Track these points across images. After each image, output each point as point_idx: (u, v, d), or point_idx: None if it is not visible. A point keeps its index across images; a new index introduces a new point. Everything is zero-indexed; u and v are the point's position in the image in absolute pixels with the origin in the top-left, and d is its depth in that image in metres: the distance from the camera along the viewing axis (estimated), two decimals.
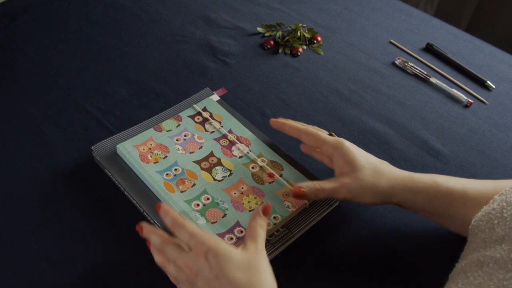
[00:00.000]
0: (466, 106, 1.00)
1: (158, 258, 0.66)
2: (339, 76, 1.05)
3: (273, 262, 0.65)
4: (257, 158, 0.84)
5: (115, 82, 1.00)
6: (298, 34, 1.11)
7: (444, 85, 1.03)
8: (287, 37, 1.11)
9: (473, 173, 0.87)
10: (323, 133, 0.78)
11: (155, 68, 1.03)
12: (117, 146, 0.83)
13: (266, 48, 1.10)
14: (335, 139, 0.75)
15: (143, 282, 0.71)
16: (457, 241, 0.68)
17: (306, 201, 0.77)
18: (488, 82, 1.04)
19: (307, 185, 0.73)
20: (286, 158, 0.84)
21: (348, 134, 0.92)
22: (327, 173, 0.78)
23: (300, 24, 1.13)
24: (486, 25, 2.04)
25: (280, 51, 1.10)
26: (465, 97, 1.00)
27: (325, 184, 0.73)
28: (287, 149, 0.86)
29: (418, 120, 0.96)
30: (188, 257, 0.61)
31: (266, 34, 1.14)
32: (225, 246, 0.61)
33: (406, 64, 1.07)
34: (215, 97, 0.96)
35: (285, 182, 0.80)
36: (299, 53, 1.09)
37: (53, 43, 1.08)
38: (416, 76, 1.06)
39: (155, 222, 0.75)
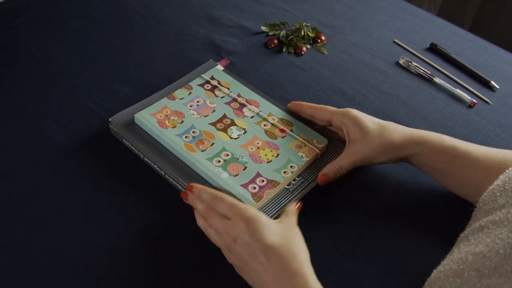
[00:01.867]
0: (470, 106, 1.00)
1: (201, 222, 0.73)
2: (343, 76, 1.05)
3: None
4: (267, 117, 0.89)
5: (118, 80, 1.00)
6: (302, 33, 1.11)
7: (448, 85, 1.03)
8: (291, 36, 1.11)
9: None
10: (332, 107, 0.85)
11: (158, 67, 1.03)
12: (135, 115, 0.87)
13: (270, 47, 1.10)
14: (343, 109, 0.83)
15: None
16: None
17: (318, 151, 0.83)
18: (492, 82, 1.04)
19: (329, 170, 0.79)
20: (294, 116, 0.90)
21: None
22: None
23: (304, 23, 1.13)
24: (489, 25, 2.04)
25: (283, 50, 1.10)
26: (469, 97, 1.00)
27: (343, 162, 0.79)
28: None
29: (421, 120, 0.96)
30: (228, 224, 0.68)
31: (270, 33, 1.14)
32: (263, 216, 0.68)
33: (410, 63, 1.07)
34: (219, 67, 0.99)
35: (297, 136, 0.86)
36: (302, 52, 1.09)
37: (55, 41, 1.08)
38: (419, 76, 1.06)
39: (176, 184, 0.80)
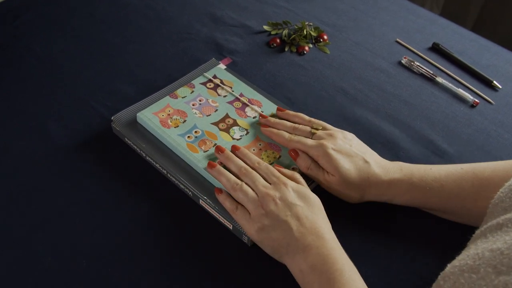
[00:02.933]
0: (472, 106, 1.00)
1: (231, 178, 0.75)
2: (345, 75, 1.05)
3: None
4: None
5: (120, 79, 1.00)
6: (305, 32, 1.11)
7: (450, 84, 1.03)
8: (293, 36, 1.11)
9: None
10: (308, 140, 0.81)
11: (160, 66, 1.03)
12: (137, 114, 0.86)
13: (272, 46, 1.10)
14: (317, 144, 0.78)
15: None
16: None
17: None
18: (495, 82, 1.04)
19: (303, 159, 0.79)
20: None
21: (353, 133, 0.92)
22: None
23: (307, 23, 1.13)
24: (492, 25, 2.04)
25: (286, 49, 1.10)
26: (471, 97, 1.00)
27: (318, 172, 0.78)
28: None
29: (424, 119, 0.96)
30: (273, 184, 0.73)
31: (273, 32, 1.13)
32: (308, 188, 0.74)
33: (412, 63, 1.07)
34: (222, 66, 0.99)
35: None
36: (305, 52, 1.09)
37: (57, 40, 1.08)
38: (422, 75, 1.06)
39: (178, 183, 0.80)
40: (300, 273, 0.66)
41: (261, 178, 0.74)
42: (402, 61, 1.08)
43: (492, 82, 1.04)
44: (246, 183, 0.74)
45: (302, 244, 0.66)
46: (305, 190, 0.72)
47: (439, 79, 1.04)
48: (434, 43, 1.13)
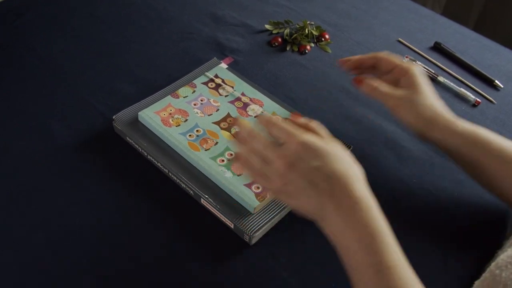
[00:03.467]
0: (474, 105, 1.00)
1: (242, 149, 0.67)
2: (347, 74, 1.04)
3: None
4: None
5: (121, 79, 1.00)
6: (306, 31, 1.11)
7: (452, 84, 1.03)
8: (294, 35, 1.11)
9: None
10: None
11: (161, 65, 1.03)
12: (138, 113, 0.87)
13: (273, 45, 1.10)
14: (408, 64, 0.81)
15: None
16: None
17: None
18: (496, 81, 1.04)
19: (368, 82, 0.81)
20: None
21: (355, 132, 0.92)
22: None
23: (308, 22, 1.13)
24: (493, 24, 2.04)
25: (287, 48, 1.10)
26: (473, 97, 1.00)
27: (386, 88, 0.79)
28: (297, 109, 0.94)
29: None
30: (285, 148, 0.63)
31: (274, 32, 1.13)
32: (321, 141, 0.63)
33: (414, 62, 1.07)
34: (223, 65, 0.99)
35: None
36: (306, 51, 1.09)
37: (59, 40, 1.08)
38: None
39: (180, 182, 0.80)
40: (333, 237, 0.62)
41: (272, 145, 0.65)
42: (403, 60, 1.08)
43: (493, 81, 1.04)
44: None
45: (328, 208, 0.61)
46: (320, 144, 0.63)
47: (441, 79, 1.04)
48: (435, 43, 1.13)
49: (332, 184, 0.61)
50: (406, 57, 1.08)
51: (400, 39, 1.14)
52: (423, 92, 0.78)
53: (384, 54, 0.83)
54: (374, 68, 0.85)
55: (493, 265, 0.59)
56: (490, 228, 0.79)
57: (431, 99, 0.78)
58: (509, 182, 0.73)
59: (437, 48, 1.12)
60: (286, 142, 0.63)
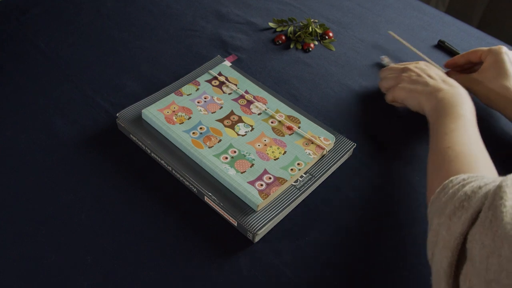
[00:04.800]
0: (478, 103, 0.99)
1: (390, 77, 0.93)
2: (350, 72, 1.04)
3: (299, 206, 0.80)
4: (275, 114, 0.89)
5: (125, 75, 1.00)
6: (310, 29, 1.11)
7: None
8: (298, 33, 1.11)
9: None
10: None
11: (166, 62, 1.03)
12: (142, 111, 0.87)
13: (277, 43, 1.10)
14: (490, 48, 0.92)
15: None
16: None
17: (325, 148, 0.83)
18: None
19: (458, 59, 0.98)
20: (301, 113, 0.90)
21: (359, 130, 0.92)
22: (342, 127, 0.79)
23: (312, 20, 1.13)
24: (497, 22, 2.03)
25: (291, 46, 1.10)
26: None
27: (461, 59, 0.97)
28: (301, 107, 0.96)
29: None
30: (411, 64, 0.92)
31: (278, 29, 1.13)
32: None
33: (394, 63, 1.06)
34: (227, 63, 0.99)
35: (304, 133, 0.86)
36: (310, 49, 1.09)
37: (64, 36, 1.08)
38: None
39: (183, 180, 0.80)
40: (430, 105, 0.81)
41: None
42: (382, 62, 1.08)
43: None
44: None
45: (435, 88, 0.83)
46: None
47: None
48: (439, 41, 1.13)
49: (435, 78, 0.85)
50: (382, 58, 1.07)
51: (391, 32, 1.13)
52: (496, 70, 0.88)
53: (472, 50, 0.95)
54: (474, 64, 0.97)
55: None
56: None
57: (504, 77, 0.87)
58: None
59: (441, 46, 1.12)
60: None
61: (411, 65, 0.91)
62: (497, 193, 0.51)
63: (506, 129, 0.94)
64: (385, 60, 1.05)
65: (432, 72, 0.87)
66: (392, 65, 0.96)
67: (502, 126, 0.95)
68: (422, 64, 0.91)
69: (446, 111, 0.77)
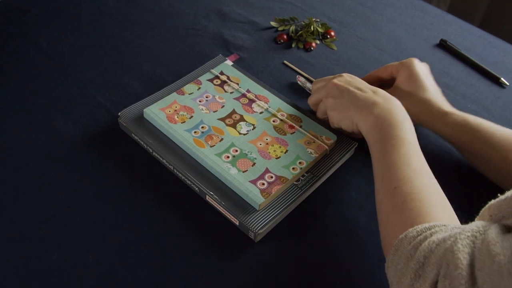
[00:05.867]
0: (480, 103, 0.99)
1: (316, 96, 0.88)
2: (352, 71, 1.03)
3: (301, 206, 0.80)
4: (276, 113, 0.89)
5: (127, 75, 1.00)
6: (312, 28, 1.11)
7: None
8: (300, 32, 1.11)
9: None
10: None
11: (167, 61, 1.03)
12: (144, 110, 0.87)
13: (279, 42, 1.10)
14: (402, 61, 0.89)
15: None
16: None
17: (327, 147, 0.83)
18: (502, 79, 1.04)
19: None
20: (303, 112, 0.90)
21: None
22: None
23: (314, 19, 1.13)
24: (499, 21, 2.03)
25: (293, 45, 1.10)
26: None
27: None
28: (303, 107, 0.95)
29: None
30: (333, 78, 0.84)
31: (280, 29, 1.13)
32: None
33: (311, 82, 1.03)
34: (229, 62, 1.00)
35: (306, 132, 0.86)
36: (312, 48, 1.09)
37: (65, 35, 1.08)
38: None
39: (185, 179, 0.80)
40: (365, 123, 0.75)
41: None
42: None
43: (499, 79, 1.04)
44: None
45: (368, 102, 0.76)
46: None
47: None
48: (441, 40, 1.13)
49: (366, 91, 0.78)
50: (298, 78, 1.01)
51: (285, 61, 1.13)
52: (412, 85, 0.85)
53: (382, 67, 0.92)
54: (385, 82, 0.92)
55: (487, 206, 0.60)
56: None
57: (421, 90, 0.85)
58: (499, 167, 0.78)
59: (443, 45, 1.12)
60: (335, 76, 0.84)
61: (334, 79, 0.83)
62: (450, 260, 0.49)
63: (439, 144, 0.91)
64: (301, 79, 1.00)
65: (360, 83, 0.81)
66: (317, 80, 0.90)
67: (433, 142, 0.92)
68: (346, 75, 0.83)
69: (385, 134, 0.71)
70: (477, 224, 0.52)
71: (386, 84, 0.90)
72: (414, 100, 0.84)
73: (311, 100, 0.89)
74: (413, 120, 0.78)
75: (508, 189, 0.70)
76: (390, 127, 0.71)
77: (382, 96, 0.76)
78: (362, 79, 0.89)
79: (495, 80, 1.04)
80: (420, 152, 0.70)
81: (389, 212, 0.64)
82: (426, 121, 0.84)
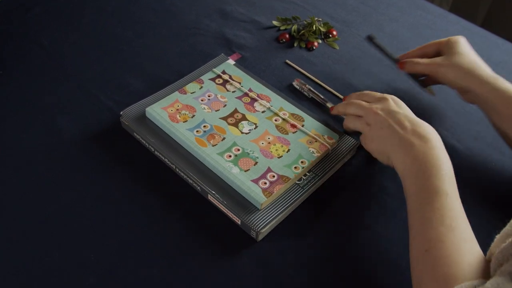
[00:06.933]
0: None
1: (354, 123, 0.83)
2: (354, 71, 1.04)
3: (303, 205, 0.80)
4: (278, 112, 0.89)
5: (129, 74, 1.00)
6: (314, 28, 1.11)
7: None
8: (302, 31, 1.11)
9: (488, 169, 0.86)
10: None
11: (169, 61, 1.03)
12: (146, 109, 0.87)
13: (281, 41, 1.10)
14: (449, 37, 0.92)
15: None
16: None
17: (329, 147, 0.83)
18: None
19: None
20: (305, 111, 0.89)
21: None
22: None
23: (316, 18, 1.12)
24: (501, 21, 2.03)
25: (295, 45, 1.10)
26: None
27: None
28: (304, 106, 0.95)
29: (433, 115, 0.96)
30: (375, 103, 0.80)
31: (282, 28, 1.13)
32: None
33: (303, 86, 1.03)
34: (231, 61, 1.00)
35: (308, 131, 0.86)
36: (314, 47, 1.09)
37: (67, 34, 1.08)
38: None
39: (187, 178, 0.80)
40: (402, 165, 0.72)
41: (367, 97, 0.83)
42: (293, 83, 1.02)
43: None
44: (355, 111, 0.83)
45: (405, 143, 0.72)
46: (403, 103, 0.80)
47: None
48: (368, 36, 1.09)
49: (406, 128, 0.74)
50: (297, 80, 1.01)
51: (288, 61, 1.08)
52: (460, 51, 0.87)
53: (427, 43, 0.94)
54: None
55: (498, 237, 0.59)
56: None
57: (469, 56, 0.87)
58: None
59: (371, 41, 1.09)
60: (375, 99, 0.82)
61: (375, 106, 0.79)
62: None
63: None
64: (298, 83, 0.99)
65: (402, 116, 0.76)
66: (354, 100, 0.85)
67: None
68: (390, 100, 0.79)
69: (421, 183, 0.68)
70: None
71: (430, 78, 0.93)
72: (464, 61, 0.86)
73: (353, 126, 0.84)
74: (461, 88, 0.86)
75: None
76: (426, 174, 0.68)
77: (421, 136, 0.72)
78: (407, 55, 0.95)
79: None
80: (457, 202, 0.66)
81: (420, 276, 0.63)
82: (475, 85, 0.84)
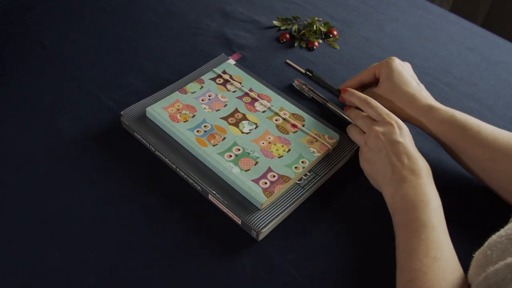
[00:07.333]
0: (482, 102, 0.99)
1: (356, 137, 0.82)
2: (355, 71, 1.04)
3: (303, 205, 0.80)
4: (279, 112, 0.89)
5: (130, 73, 1.00)
6: (314, 28, 1.11)
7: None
8: (303, 31, 1.11)
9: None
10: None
11: (170, 60, 1.03)
12: (146, 109, 0.87)
13: (281, 41, 1.10)
14: (383, 61, 0.89)
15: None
16: None
17: (329, 147, 0.83)
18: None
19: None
20: (305, 111, 0.90)
21: None
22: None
23: (316, 18, 1.12)
24: (501, 21, 2.02)
25: (295, 44, 1.09)
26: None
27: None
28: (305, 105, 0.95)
29: None
30: (377, 123, 0.79)
31: (282, 28, 1.13)
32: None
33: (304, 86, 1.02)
34: (231, 61, 0.99)
35: (308, 131, 0.86)
36: (314, 47, 1.09)
37: (68, 34, 1.08)
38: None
39: (187, 178, 0.80)
40: (391, 199, 0.72)
41: (374, 113, 0.80)
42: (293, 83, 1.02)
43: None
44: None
45: (398, 177, 0.72)
46: (408, 131, 0.77)
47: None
48: (307, 70, 1.06)
49: (403, 161, 0.73)
50: (297, 80, 1.00)
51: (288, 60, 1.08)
52: (394, 80, 0.85)
53: (363, 71, 0.92)
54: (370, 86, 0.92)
55: (485, 245, 0.59)
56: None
57: (404, 85, 0.84)
58: (486, 166, 0.77)
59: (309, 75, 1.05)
60: (382, 119, 0.78)
61: (380, 131, 0.77)
62: None
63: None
64: (298, 83, 0.99)
65: (401, 148, 0.74)
66: (366, 110, 0.83)
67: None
68: (395, 125, 0.77)
69: (408, 216, 0.68)
70: None
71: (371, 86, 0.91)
72: (398, 95, 0.84)
73: (354, 138, 0.84)
74: (400, 117, 0.80)
75: (494, 189, 0.76)
76: (414, 209, 0.68)
77: (414, 172, 0.72)
78: (345, 85, 0.93)
79: None
80: (443, 234, 0.66)
81: None
82: (411, 117, 0.83)
